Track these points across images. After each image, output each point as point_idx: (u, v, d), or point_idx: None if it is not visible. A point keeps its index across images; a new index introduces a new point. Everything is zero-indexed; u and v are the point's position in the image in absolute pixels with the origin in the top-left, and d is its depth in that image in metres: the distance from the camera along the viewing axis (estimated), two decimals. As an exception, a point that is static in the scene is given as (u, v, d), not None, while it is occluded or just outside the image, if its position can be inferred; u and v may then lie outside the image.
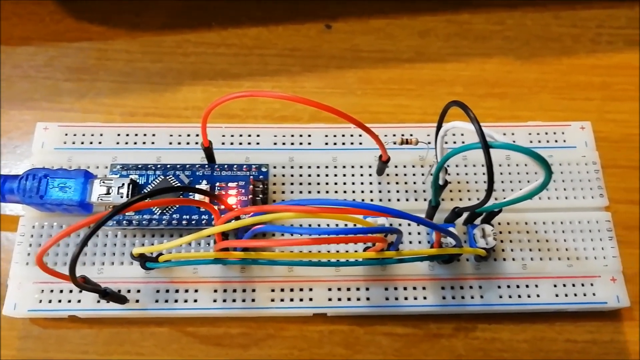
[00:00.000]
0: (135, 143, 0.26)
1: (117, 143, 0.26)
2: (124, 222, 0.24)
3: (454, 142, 0.27)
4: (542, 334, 0.25)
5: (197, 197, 0.23)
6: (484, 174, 0.26)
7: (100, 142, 0.26)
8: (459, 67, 0.30)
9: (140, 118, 0.28)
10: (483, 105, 0.29)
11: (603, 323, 0.25)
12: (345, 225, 0.20)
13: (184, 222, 0.24)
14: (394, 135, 0.27)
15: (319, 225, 0.25)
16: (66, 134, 0.26)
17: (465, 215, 0.24)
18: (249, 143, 0.26)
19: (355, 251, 0.24)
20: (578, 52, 0.30)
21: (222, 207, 0.21)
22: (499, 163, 0.26)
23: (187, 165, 0.25)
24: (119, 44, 0.30)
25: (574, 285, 0.24)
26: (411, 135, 0.25)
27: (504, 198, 0.26)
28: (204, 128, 0.23)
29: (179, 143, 0.26)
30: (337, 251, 0.24)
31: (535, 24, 0.31)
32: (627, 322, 0.25)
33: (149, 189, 0.24)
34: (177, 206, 0.24)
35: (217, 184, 0.24)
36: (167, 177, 0.24)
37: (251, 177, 0.24)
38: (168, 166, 0.25)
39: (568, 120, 0.28)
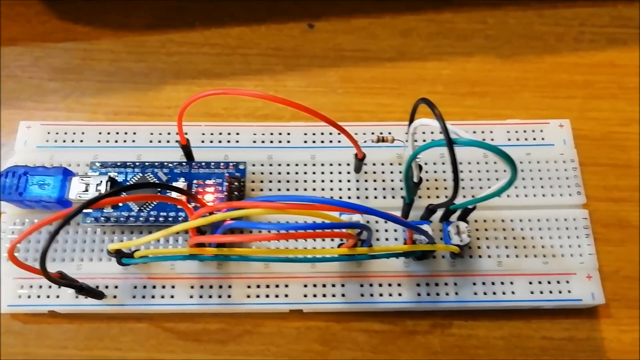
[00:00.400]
0: (116, 141, 0.27)
1: (99, 141, 0.27)
2: (102, 218, 0.24)
3: (433, 140, 0.27)
4: (518, 331, 0.25)
5: (174, 194, 0.23)
6: (461, 171, 0.26)
7: (81, 141, 0.27)
8: (440, 65, 0.30)
9: (124, 117, 0.29)
10: (464, 104, 0.29)
11: (580, 320, 0.25)
12: (314, 222, 0.20)
13: (161, 219, 0.24)
14: (372, 133, 0.27)
15: (287, 222, 0.25)
16: (48, 133, 0.27)
17: (441, 212, 0.24)
18: (229, 141, 0.27)
19: (330, 248, 0.24)
20: (561, 51, 0.30)
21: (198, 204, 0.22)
22: (476, 161, 0.26)
23: (165, 163, 0.25)
24: (104, 44, 0.30)
25: (549, 282, 0.24)
26: (389, 133, 0.25)
27: (483, 196, 0.26)
28: (179, 126, 0.23)
29: (159, 141, 0.27)
30: (314, 247, 0.24)
31: (517, 22, 0.31)
32: (604, 320, 0.25)
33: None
34: (155, 203, 0.24)
35: (195, 181, 0.25)
36: (146, 175, 0.25)
37: (227, 174, 0.24)
38: (146, 164, 0.25)
39: (549, 118, 0.28)
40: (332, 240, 0.25)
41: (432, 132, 0.27)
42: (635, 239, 0.27)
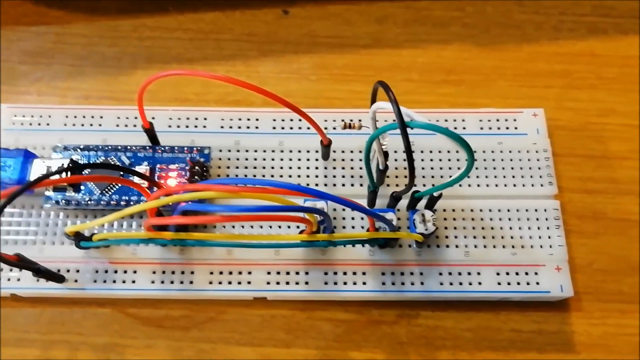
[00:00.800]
0: (82, 125, 0.26)
1: (65, 125, 0.26)
2: (63, 202, 0.24)
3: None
4: (487, 323, 0.25)
5: (136, 179, 0.23)
6: (431, 160, 0.26)
7: (48, 124, 0.26)
8: (415, 53, 0.29)
9: (94, 101, 0.28)
10: (438, 92, 0.28)
11: (550, 313, 0.25)
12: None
13: (122, 202, 0.24)
14: (342, 120, 0.26)
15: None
16: (15, 115, 0.26)
17: (407, 201, 0.24)
18: (196, 126, 0.26)
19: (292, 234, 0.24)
20: (539, 40, 0.30)
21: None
22: (447, 149, 0.26)
23: (129, 147, 0.25)
24: (76, 28, 0.30)
25: (517, 273, 0.24)
26: (360, 120, 0.25)
27: (459, 185, 0.25)
28: (140, 108, 0.23)
29: (126, 125, 0.26)
30: (277, 234, 0.24)
31: (496, 10, 0.30)
32: (574, 313, 0.25)
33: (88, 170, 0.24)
34: (118, 187, 0.24)
35: (158, 165, 0.24)
36: (109, 158, 0.24)
37: (189, 158, 0.24)
38: (109, 147, 0.25)
39: (525, 108, 0.27)
40: (298, 227, 0.24)
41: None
42: (610, 231, 0.26)
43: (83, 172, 0.23)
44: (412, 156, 0.18)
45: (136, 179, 0.22)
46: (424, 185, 0.25)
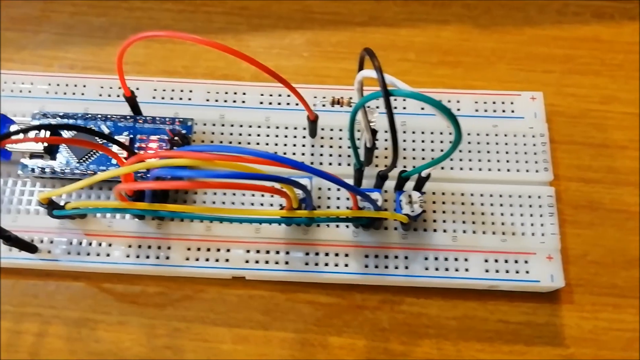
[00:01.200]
0: (65, 93, 0.26)
1: (47, 93, 0.26)
2: (39, 169, 0.23)
3: (395, 108, 0.26)
4: (473, 312, 0.24)
5: (114, 149, 0.22)
6: (423, 141, 0.25)
7: (30, 91, 0.26)
8: (413, 32, 0.28)
9: (79, 71, 0.28)
10: (435, 73, 0.27)
11: (540, 305, 0.24)
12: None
13: (99, 172, 0.23)
14: (332, 96, 0.25)
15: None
16: (-4, 81, 0.26)
17: (395, 181, 0.23)
18: (181, 98, 0.26)
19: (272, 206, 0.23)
20: (542, 23, 0.28)
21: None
22: (440, 131, 0.25)
23: (110, 116, 0.24)
24: (65, -5, 0.29)
25: (506, 261, 0.23)
26: (350, 98, 0.24)
27: (451, 168, 0.24)
28: (120, 75, 0.22)
29: (109, 95, 0.26)
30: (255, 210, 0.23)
31: (498, -9, 0.29)
32: (565, 305, 0.24)
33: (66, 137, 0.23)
34: (96, 156, 0.23)
35: (139, 136, 0.24)
36: (89, 127, 0.24)
37: (169, 129, 0.23)
38: (89, 116, 0.24)
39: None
40: (280, 205, 0.23)
41: (395, 99, 0.26)
42: (606, 222, 0.25)
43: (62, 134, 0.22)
44: (395, 128, 0.17)
45: (114, 148, 0.21)
46: (414, 167, 0.24)
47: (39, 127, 0.17)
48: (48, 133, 0.23)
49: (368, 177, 0.23)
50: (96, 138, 0.22)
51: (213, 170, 0.16)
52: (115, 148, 0.22)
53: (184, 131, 0.24)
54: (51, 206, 0.22)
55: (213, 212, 0.20)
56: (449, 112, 0.16)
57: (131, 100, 0.23)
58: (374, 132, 0.22)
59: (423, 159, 0.25)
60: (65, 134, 0.23)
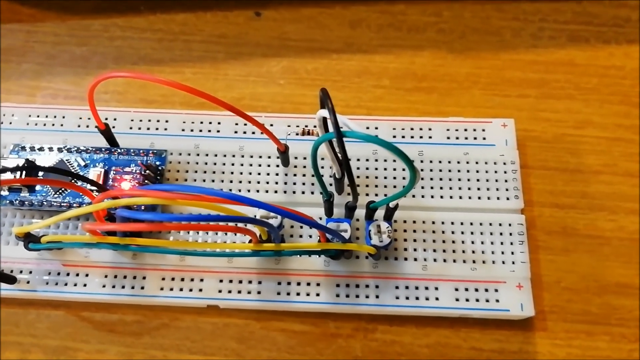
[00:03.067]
0: (44, 125, 0.26)
1: (27, 124, 0.26)
2: (17, 202, 0.24)
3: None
4: (446, 340, 0.24)
5: (86, 187, 0.23)
6: (394, 169, 0.25)
7: (10, 123, 0.26)
8: (387, 59, 0.29)
9: (61, 101, 0.28)
10: (409, 99, 0.28)
11: (512, 332, 0.24)
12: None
13: (75, 205, 0.23)
14: (306, 125, 0.26)
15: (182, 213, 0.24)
16: (-22, 114, 0.26)
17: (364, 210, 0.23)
18: (157, 128, 0.26)
19: (242, 242, 0.24)
20: (517, 47, 0.29)
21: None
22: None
23: (86, 148, 0.24)
24: (48, 26, 0.30)
25: (476, 290, 0.23)
26: (315, 126, 0.24)
27: (422, 196, 0.25)
28: (93, 110, 0.22)
29: (87, 126, 0.26)
30: (224, 242, 0.24)
31: (474, 16, 0.29)
32: (538, 333, 0.24)
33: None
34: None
35: (114, 168, 0.24)
36: (65, 160, 0.24)
37: (140, 162, 0.24)
38: (65, 148, 0.24)
39: (498, 117, 0.26)
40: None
41: (367, 127, 0.26)
42: (580, 248, 0.25)
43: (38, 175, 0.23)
44: (350, 169, 0.17)
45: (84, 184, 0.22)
46: (385, 195, 0.25)
47: (10, 170, 0.18)
48: (25, 166, 0.23)
49: (341, 206, 0.24)
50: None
51: (173, 214, 0.17)
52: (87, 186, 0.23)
53: (157, 163, 0.24)
54: (27, 239, 0.22)
55: (182, 246, 0.21)
56: (400, 153, 0.17)
57: (106, 133, 0.24)
58: (341, 163, 0.22)
59: (394, 187, 0.25)
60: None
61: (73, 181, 0.23)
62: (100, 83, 0.21)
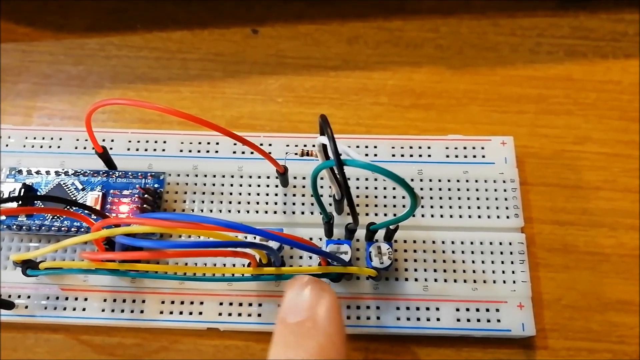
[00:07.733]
0: (41, 147, 0.26)
1: (24, 146, 0.26)
2: (15, 226, 0.23)
3: (366, 154, 0.26)
4: (447, 360, 0.24)
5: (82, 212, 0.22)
6: (394, 188, 0.25)
7: (7, 145, 0.26)
8: (385, 75, 0.28)
9: (57, 121, 0.28)
10: (407, 117, 0.28)
11: (514, 350, 0.24)
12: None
13: (73, 229, 0.23)
14: (305, 145, 0.26)
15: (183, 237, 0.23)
16: (-26, 136, 0.26)
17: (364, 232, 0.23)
18: (155, 149, 0.26)
19: (243, 265, 0.23)
20: (515, 63, 0.29)
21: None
22: (411, 178, 0.25)
23: (82, 171, 0.24)
24: (43, 45, 0.29)
25: (477, 310, 0.23)
26: (313, 146, 0.24)
27: (422, 215, 0.25)
28: (90, 134, 0.22)
29: (85, 148, 0.26)
30: (224, 265, 0.23)
31: (471, 32, 0.29)
32: (540, 351, 0.24)
33: (39, 194, 0.24)
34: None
35: (112, 191, 0.24)
36: (62, 183, 0.24)
37: (138, 185, 0.24)
38: (63, 172, 0.24)
39: (497, 134, 0.26)
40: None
41: (366, 146, 0.26)
42: (580, 265, 0.25)
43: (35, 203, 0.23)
44: (350, 196, 0.17)
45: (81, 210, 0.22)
46: (385, 215, 0.25)
47: (4, 201, 0.18)
48: (22, 190, 0.23)
49: (341, 226, 0.24)
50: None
51: (174, 241, 0.17)
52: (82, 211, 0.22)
53: (156, 186, 0.24)
54: (25, 265, 0.22)
55: (180, 271, 0.21)
56: (401, 181, 0.17)
57: (104, 155, 0.24)
58: (340, 185, 0.22)
59: (394, 206, 0.25)
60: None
61: (67, 208, 0.23)
62: (95, 111, 0.21)
